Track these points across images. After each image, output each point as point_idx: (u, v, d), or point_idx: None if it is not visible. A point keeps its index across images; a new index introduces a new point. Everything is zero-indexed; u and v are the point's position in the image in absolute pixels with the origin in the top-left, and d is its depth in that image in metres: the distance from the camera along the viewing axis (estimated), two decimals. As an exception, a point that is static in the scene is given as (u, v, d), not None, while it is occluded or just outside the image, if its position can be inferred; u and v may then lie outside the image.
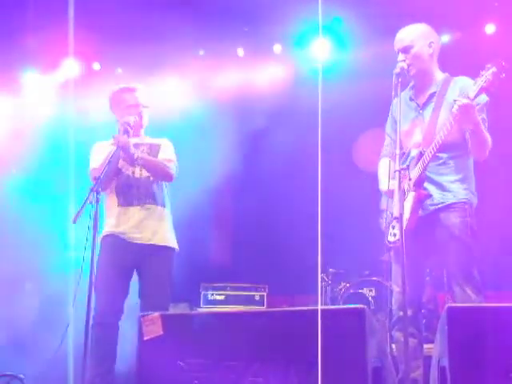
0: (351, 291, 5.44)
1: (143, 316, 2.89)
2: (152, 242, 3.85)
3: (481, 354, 2.47)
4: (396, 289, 3.42)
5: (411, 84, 3.59)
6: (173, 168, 3.95)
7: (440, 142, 3.24)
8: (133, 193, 3.87)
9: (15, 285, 5.24)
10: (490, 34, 5.52)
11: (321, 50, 5.81)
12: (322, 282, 5.56)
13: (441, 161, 3.38)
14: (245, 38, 6.00)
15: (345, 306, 4.45)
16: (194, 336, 2.81)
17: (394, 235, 3.32)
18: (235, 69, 6.04)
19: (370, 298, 5.30)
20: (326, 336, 2.46)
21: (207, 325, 2.83)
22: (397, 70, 3.30)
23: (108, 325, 3.72)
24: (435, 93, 3.46)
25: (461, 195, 3.36)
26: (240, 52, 6.11)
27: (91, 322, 3.23)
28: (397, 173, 3.02)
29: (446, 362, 2.53)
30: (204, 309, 5.61)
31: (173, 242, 3.95)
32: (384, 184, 3.45)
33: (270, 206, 6.02)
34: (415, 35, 3.48)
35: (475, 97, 3.13)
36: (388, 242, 3.37)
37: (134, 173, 3.90)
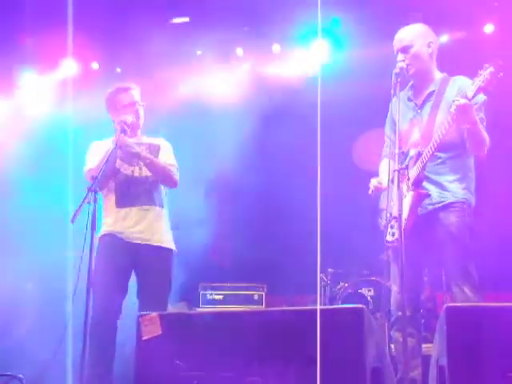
0: (350, 291, 5.43)
1: (142, 316, 2.89)
2: (150, 243, 3.85)
3: (479, 353, 2.48)
4: (394, 288, 3.42)
5: (410, 84, 3.60)
6: (177, 174, 3.96)
7: (438, 141, 3.25)
8: (131, 193, 3.86)
9: (15, 285, 5.23)
10: (489, 34, 5.52)
11: (320, 51, 5.81)
12: (320, 281, 5.56)
13: (439, 160, 3.39)
14: (244, 38, 6.00)
15: (343, 306, 4.45)
16: (193, 336, 2.81)
17: (393, 234, 3.32)
18: (234, 68, 6.04)
19: (368, 298, 5.30)
20: (325, 336, 2.46)
21: (206, 324, 2.83)
22: (396, 70, 3.31)
23: (106, 325, 3.71)
24: (433, 92, 3.47)
25: (459, 195, 3.36)
26: (239, 52, 6.11)
27: (89, 321, 3.22)
28: (396, 172, 3.02)
29: (444, 362, 2.53)
30: (203, 308, 5.61)
31: (171, 243, 3.95)
32: (384, 182, 3.46)
33: (269, 206, 6.02)
34: (414, 35, 3.48)
35: (473, 96, 3.14)
36: (387, 241, 3.37)
37: (133, 172, 3.90)
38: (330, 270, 5.70)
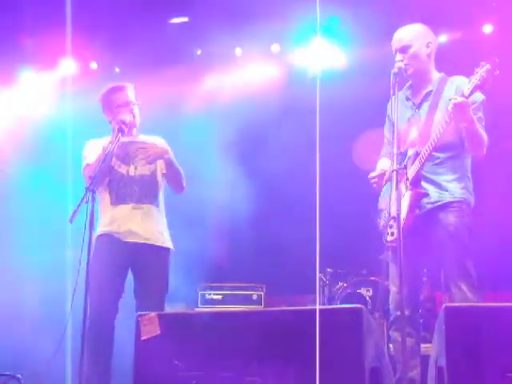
0: (349, 291, 5.44)
1: (141, 316, 2.89)
2: (148, 242, 3.84)
3: (478, 353, 2.48)
4: (393, 288, 3.43)
5: (408, 84, 3.60)
6: (184, 179, 4.00)
7: (435, 140, 3.26)
8: (127, 191, 3.86)
9: (14, 285, 5.23)
10: (487, 34, 5.52)
11: (319, 50, 5.81)
12: (319, 281, 5.56)
13: (438, 160, 3.39)
14: (243, 38, 5.99)
15: (342, 306, 4.45)
16: (192, 336, 2.81)
17: (392, 234, 3.32)
18: (233, 68, 6.04)
19: (367, 298, 5.30)
20: (324, 336, 2.46)
21: (205, 324, 2.82)
22: (395, 70, 3.31)
23: (103, 324, 3.71)
24: (431, 92, 3.47)
25: (458, 194, 3.37)
26: (238, 51, 6.11)
27: (87, 322, 3.22)
28: (394, 172, 3.03)
29: (443, 362, 2.53)
30: (201, 308, 5.61)
31: (168, 243, 3.94)
32: (376, 171, 3.49)
33: (268, 206, 6.02)
34: (413, 35, 3.49)
35: (470, 94, 3.15)
36: (385, 241, 3.37)
37: (128, 171, 3.89)
38: (328, 270, 5.70)
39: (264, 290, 5.77)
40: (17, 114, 5.99)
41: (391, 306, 3.48)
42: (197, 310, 5.54)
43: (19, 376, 4.43)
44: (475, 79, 3.13)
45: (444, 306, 2.65)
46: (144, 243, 3.83)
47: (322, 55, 5.79)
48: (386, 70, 3.35)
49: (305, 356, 2.53)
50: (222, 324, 2.83)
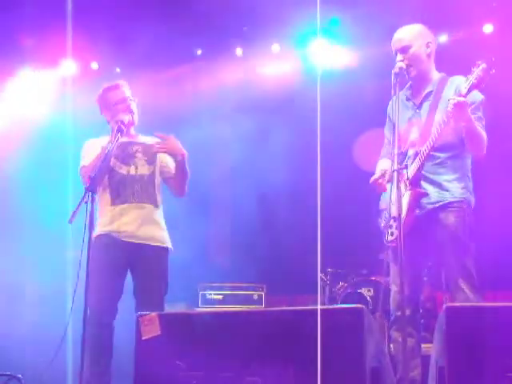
0: (349, 291, 5.44)
1: (141, 316, 2.88)
2: (147, 242, 3.84)
3: (479, 353, 2.48)
4: (394, 288, 3.43)
5: (408, 84, 3.60)
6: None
7: (434, 139, 3.26)
8: (128, 191, 3.85)
9: (14, 285, 5.23)
10: (488, 34, 5.52)
11: (319, 51, 5.81)
12: (320, 281, 5.56)
13: (438, 160, 3.40)
14: (243, 38, 6.00)
15: (343, 306, 4.45)
16: (192, 336, 2.81)
17: (392, 234, 3.32)
18: (233, 68, 6.04)
19: (368, 298, 5.30)
20: (325, 336, 2.46)
21: (205, 324, 2.82)
22: (395, 70, 3.31)
23: (103, 324, 3.71)
24: (431, 92, 3.48)
25: (458, 194, 3.37)
26: (238, 51, 6.11)
27: (87, 322, 3.23)
28: (394, 172, 3.03)
29: (444, 362, 2.53)
30: (202, 308, 5.61)
31: (168, 242, 3.95)
32: (376, 174, 3.49)
33: (269, 206, 6.03)
34: (413, 35, 3.49)
35: (467, 93, 3.16)
36: (386, 241, 3.37)
37: (129, 171, 3.89)
38: (329, 269, 5.70)
39: (265, 289, 5.77)
40: (17, 114, 6.00)
41: (392, 306, 3.47)
42: (197, 309, 5.54)
43: (20, 376, 4.43)
44: (472, 78, 3.14)
45: (445, 306, 2.65)
46: (143, 243, 3.83)
47: (322, 55, 5.80)
48: (387, 71, 3.36)
49: (306, 356, 2.53)
50: (222, 324, 2.83)
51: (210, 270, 5.80)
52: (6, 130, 5.84)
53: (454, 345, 2.51)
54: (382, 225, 3.47)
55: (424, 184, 3.38)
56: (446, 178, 3.39)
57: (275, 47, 6.06)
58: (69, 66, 6.07)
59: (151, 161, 3.96)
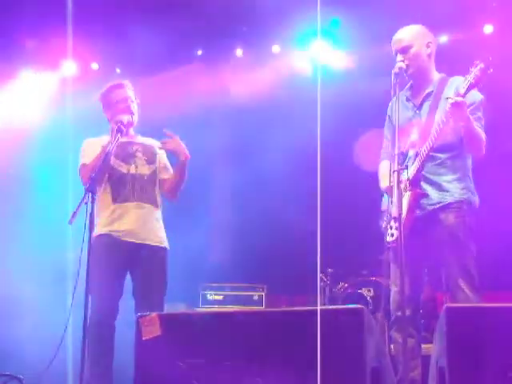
0: (349, 291, 5.44)
1: (141, 316, 2.89)
2: (147, 242, 3.85)
3: (479, 353, 2.48)
4: (394, 289, 3.43)
5: (408, 85, 3.61)
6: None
7: (433, 140, 3.27)
8: (128, 191, 3.86)
9: (15, 285, 5.23)
10: (488, 34, 5.52)
11: (319, 51, 5.82)
12: (320, 282, 5.56)
13: (438, 161, 3.40)
14: (244, 39, 6.00)
15: (343, 306, 4.45)
16: (193, 336, 2.80)
17: (392, 235, 3.33)
18: (234, 69, 6.04)
19: (368, 298, 5.30)
20: (325, 336, 2.46)
21: (206, 325, 2.83)
22: (395, 70, 3.32)
23: (104, 325, 3.71)
24: (432, 92, 3.48)
25: (459, 194, 3.37)
26: (239, 52, 6.11)
27: (88, 322, 3.23)
28: (395, 173, 3.03)
29: (444, 362, 2.53)
30: (202, 309, 5.61)
31: (166, 243, 3.96)
32: (385, 182, 3.47)
33: (269, 206, 6.02)
34: (413, 35, 3.49)
35: (465, 93, 3.17)
36: (386, 241, 3.38)
37: (129, 170, 3.90)
38: (329, 270, 5.70)
39: (265, 290, 5.77)
40: (18, 115, 6.00)
41: (392, 307, 3.48)
42: (198, 310, 5.54)
43: (20, 376, 4.43)
44: (470, 78, 3.15)
45: (445, 306, 2.64)
46: (143, 243, 3.84)
47: (322, 56, 5.80)
48: (387, 71, 3.36)
49: (306, 356, 2.53)
50: (222, 324, 2.83)
51: (211, 271, 5.80)
52: (7, 130, 5.84)
53: (454, 345, 2.51)
54: (383, 225, 3.47)
55: (424, 185, 3.38)
56: (446, 178, 3.39)
57: (275, 48, 6.06)
58: (69, 67, 6.07)
59: (151, 161, 3.98)
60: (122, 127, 3.73)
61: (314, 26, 5.09)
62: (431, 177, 3.39)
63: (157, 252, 3.88)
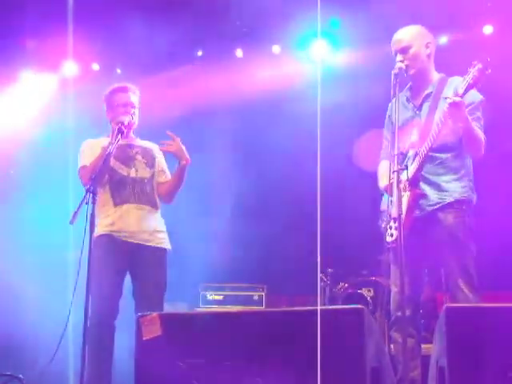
0: (350, 291, 5.44)
1: (142, 316, 2.89)
2: (147, 243, 3.86)
3: (479, 354, 2.48)
4: (394, 289, 3.43)
5: (408, 85, 3.61)
6: None
7: (432, 140, 3.27)
8: (128, 192, 3.88)
9: (14, 285, 5.24)
10: (488, 35, 5.53)
11: (319, 52, 5.82)
12: (320, 282, 5.56)
13: (438, 161, 3.40)
14: (244, 39, 6.00)
15: (343, 306, 4.45)
16: (193, 336, 2.81)
17: (391, 235, 3.33)
18: (234, 69, 6.05)
19: (368, 299, 5.30)
20: (325, 336, 2.46)
21: (206, 325, 2.83)
22: (395, 71, 3.32)
23: (104, 325, 3.72)
24: (431, 93, 3.48)
25: (458, 194, 3.37)
26: (239, 53, 6.11)
27: (88, 322, 3.23)
28: (395, 173, 3.04)
29: (444, 362, 2.54)
30: (203, 309, 5.61)
31: (166, 243, 3.97)
32: (383, 181, 3.48)
33: (269, 206, 6.03)
34: (413, 36, 3.50)
35: (464, 93, 3.17)
36: (386, 242, 3.38)
37: (129, 173, 3.92)
38: (329, 270, 5.70)
39: (265, 290, 5.77)
40: (19, 116, 6.00)
41: (392, 307, 3.48)
42: (198, 310, 5.55)
43: (21, 376, 4.44)
44: (468, 78, 3.16)
45: (445, 306, 2.65)
46: (143, 244, 3.86)
47: (323, 57, 5.80)
48: (387, 72, 3.36)
49: (306, 356, 2.53)
50: (223, 324, 2.83)
51: (211, 271, 5.80)
52: (8, 130, 5.85)
53: (454, 345, 2.51)
54: (383, 226, 3.47)
55: (423, 185, 3.38)
56: (446, 178, 3.40)
57: (276, 48, 6.06)
58: (70, 67, 6.07)
59: (151, 164, 4.01)
60: (122, 128, 3.74)
61: (314, 26, 5.08)
62: (430, 177, 3.39)
63: (156, 253, 3.89)
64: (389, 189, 3.31)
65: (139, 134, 4.12)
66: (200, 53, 6.17)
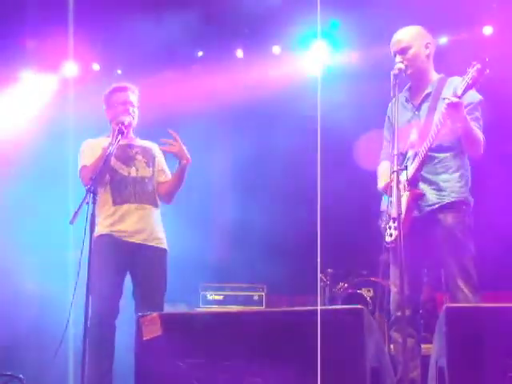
0: (349, 291, 5.44)
1: (142, 316, 2.89)
2: (148, 243, 3.87)
3: (479, 354, 2.48)
4: (394, 289, 3.43)
5: (407, 86, 3.61)
6: None
7: (431, 140, 3.27)
8: (129, 192, 3.88)
9: (15, 285, 5.24)
10: (487, 36, 5.53)
11: (319, 52, 5.83)
12: (320, 282, 5.56)
13: (437, 161, 3.41)
14: (244, 40, 6.01)
15: (343, 306, 4.45)
16: (193, 336, 2.81)
17: (391, 235, 3.33)
18: (234, 70, 6.05)
19: (368, 299, 5.30)
20: (325, 336, 2.47)
21: (206, 325, 2.83)
22: (395, 71, 3.33)
23: (105, 325, 3.72)
24: (430, 93, 3.49)
25: (457, 194, 3.37)
26: (239, 53, 6.12)
27: (88, 322, 3.24)
28: (394, 173, 3.04)
29: (444, 362, 2.54)
30: (203, 309, 5.62)
31: (165, 244, 3.98)
32: (382, 181, 3.49)
33: (269, 206, 6.03)
34: (412, 36, 3.50)
35: (462, 94, 3.17)
36: (385, 242, 3.38)
37: (129, 173, 3.92)
38: (329, 270, 5.70)
39: (265, 290, 5.77)
40: (19, 116, 6.00)
41: (392, 307, 3.48)
42: (198, 310, 5.55)
43: (21, 376, 4.44)
44: (467, 79, 3.16)
45: (445, 306, 2.65)
46: (144, 244, 3.86)
47: (323, 57, 5.81)
48: (386, 72, 3.37)
49: (306, 356, 2.54)
50: (223, 324, 2.84)
51: (211, 271, 5.81)
52: (8, 131, 5.85)
53: (453, 345, 2.51)
54: (382, 226, 3.47)
55: (422, 185, 3.38)
56: (445, 178, 3.40)
57: (276, 49, 6.07)
58: (70, 68, 6.08)
59: (151, 163, 4.01)
60: (123, 128, 3.75)
61: (314, 27, 5.09)
62: (430, 177, 3.40)
63: (157, 253, 3.90)
64: (388, 189, 3.32)
65: (139, 134, 4.13)
66: (200, 53, 6.17)
